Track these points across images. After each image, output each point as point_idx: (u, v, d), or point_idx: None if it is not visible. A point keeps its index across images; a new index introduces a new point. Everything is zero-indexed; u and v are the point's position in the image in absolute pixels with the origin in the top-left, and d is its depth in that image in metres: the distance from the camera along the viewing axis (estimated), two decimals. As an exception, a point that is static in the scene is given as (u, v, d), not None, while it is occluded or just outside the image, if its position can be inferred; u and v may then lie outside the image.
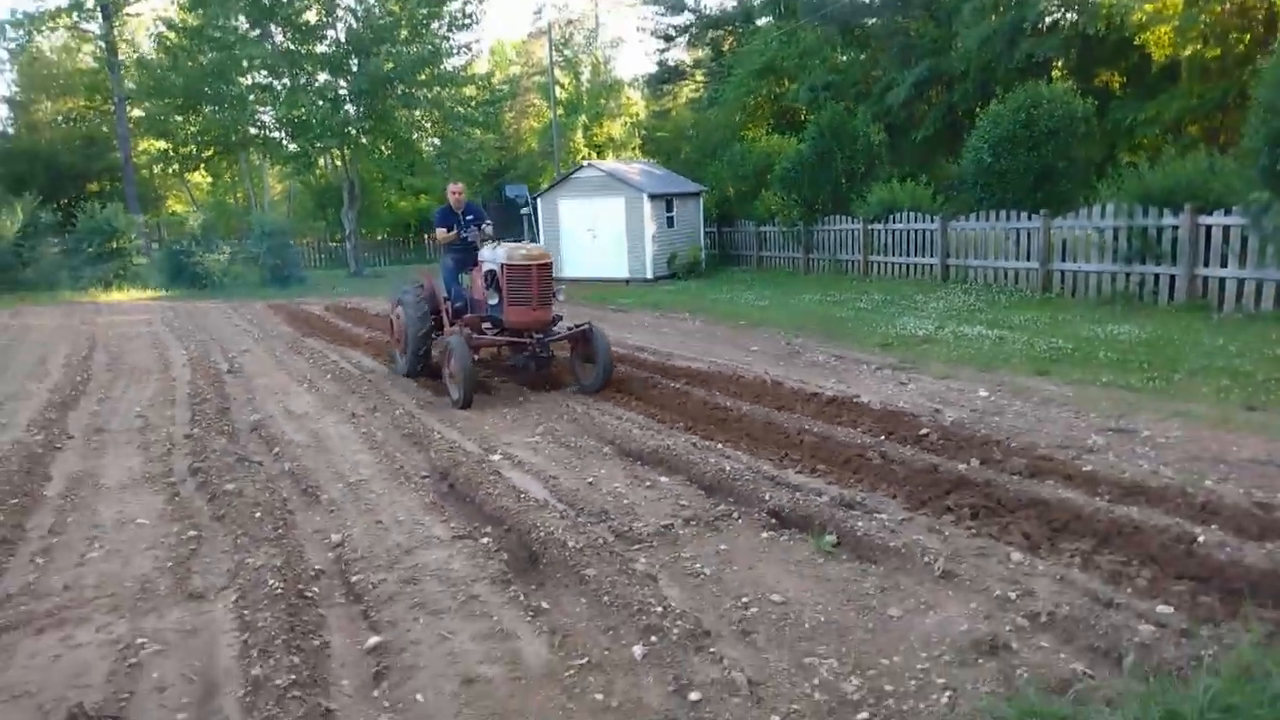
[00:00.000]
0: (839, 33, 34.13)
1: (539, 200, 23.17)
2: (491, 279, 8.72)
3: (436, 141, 30.81)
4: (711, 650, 3.38)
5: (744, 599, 3.86)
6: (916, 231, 16.72)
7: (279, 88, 25.34)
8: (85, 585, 4.29)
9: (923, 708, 2.98)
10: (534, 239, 9.15)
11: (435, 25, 26.10)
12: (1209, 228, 11.46)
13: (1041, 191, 14.60)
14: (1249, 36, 22.50)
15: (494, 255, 8.65)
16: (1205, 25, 21.69)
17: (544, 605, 3.89)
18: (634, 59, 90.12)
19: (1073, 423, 6.82)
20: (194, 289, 23.52)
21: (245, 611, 3.84)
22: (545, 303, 8.45)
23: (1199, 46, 22.64)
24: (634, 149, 49.76)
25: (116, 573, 4.42)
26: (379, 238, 39.45)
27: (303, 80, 25.11)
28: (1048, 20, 26.13)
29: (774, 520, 4.81)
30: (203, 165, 29.98)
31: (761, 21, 38.99)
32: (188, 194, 41.44)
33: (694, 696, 3.06)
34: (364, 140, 26.47)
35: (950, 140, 30.70)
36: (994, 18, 25.92)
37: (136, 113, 29.37)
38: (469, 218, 9.58)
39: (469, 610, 3.85)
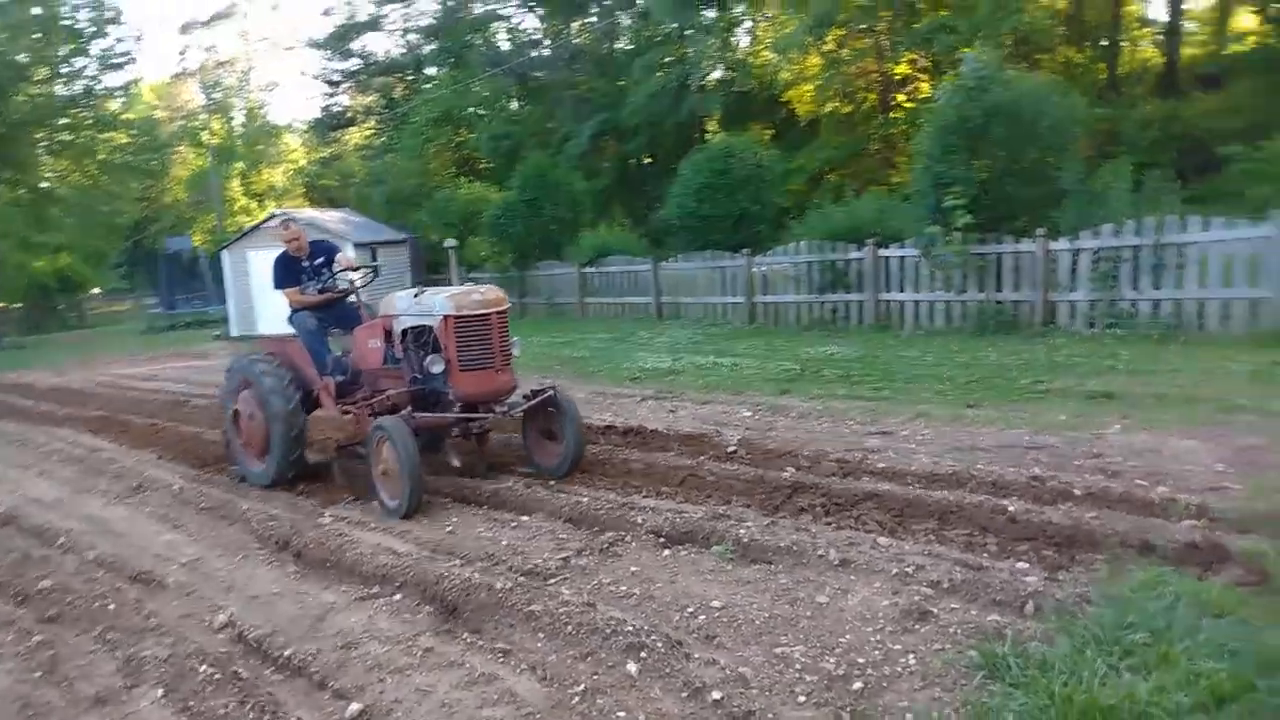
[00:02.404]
0: (514, 84, 35.30)
1: (224, 253, 21.63)
2: (421, 339, 6.63)
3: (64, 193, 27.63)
4: (697, 656, 3.65)
5: (688, 609, 4.16)
6: (630, 273, 17.82)
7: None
8: (-61, 714, 3.64)
9: (900, 669, 3.48)
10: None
11: (82, 64, 23.56)
12: (888, 259, 13.46)
13: (740, 233, 16.25)
14: (872, 95, 26.48)
15: (426, 305, 6.52)
16: (839, 86, 25.23)
17: (504, 646, 3.93)
18: (292, 103, 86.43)
19: (838, 431, 7.81)
20: None
21: (190, 703, 3.51)
22: (508, 362, 6.50)
23: (836, 104, 26.29)
24: (300, 197, 47.69)
25: (-29, 694, 3.79)
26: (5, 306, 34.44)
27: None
28: (709, 78, 28.88)
29: (662, 539, 5.14)
30: None
31: (432, 70, 39.29)
32: None
33: (715, 696, 3.32)
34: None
35: (624, 190, 32.81)
36: (660, 74, 28.26)
37: None
38: (318, 261, 7.68)
39: (432, 663, 3.80)
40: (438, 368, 6.31)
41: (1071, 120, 11.83)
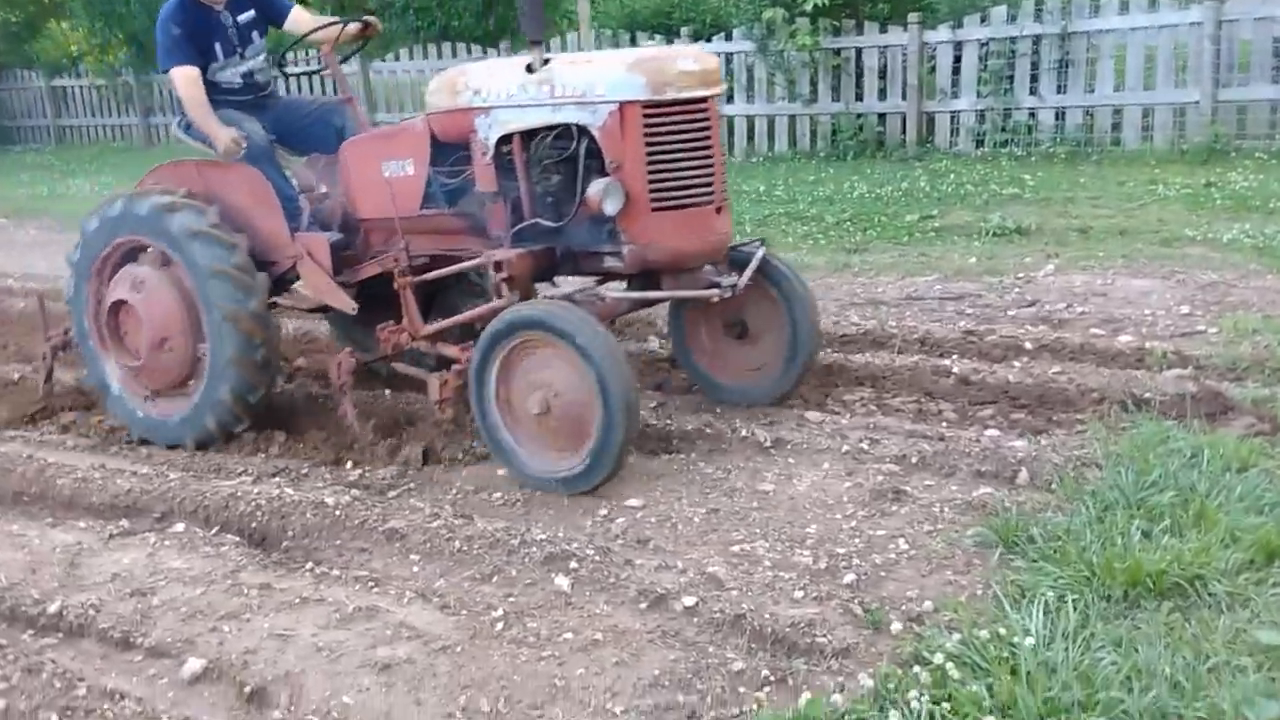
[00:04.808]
0: None
1: None
2: (556, 151, 5.14)
3: None
4: (640, 563, 4.10)
5: (600, 513, 4.58)
6: (320, 79, 17.47)
7: None
8: None
9: (894, 556, 4.07)
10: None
11: None
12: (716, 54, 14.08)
13: (493, 18, 16.32)
14: None
15: (574, 83, 4.99)
16: None
17: (368, 574, 4.20)
18: None
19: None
20: None
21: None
22: (726, 192, 5.35)
23: None
24: None
25: None
26: None
27: None
28: None
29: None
30: None
31: None
32: None
33: (686, 602, 3.77)
34: None
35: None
36: None
37: None
38: (245, 17, 6.15)
39: (278, 602, 4.00)
40: (615, 204, 4.91)
41: None
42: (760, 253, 5.46)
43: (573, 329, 4.57)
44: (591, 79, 4.94)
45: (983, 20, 12.34)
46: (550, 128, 5.09)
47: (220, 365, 5.54)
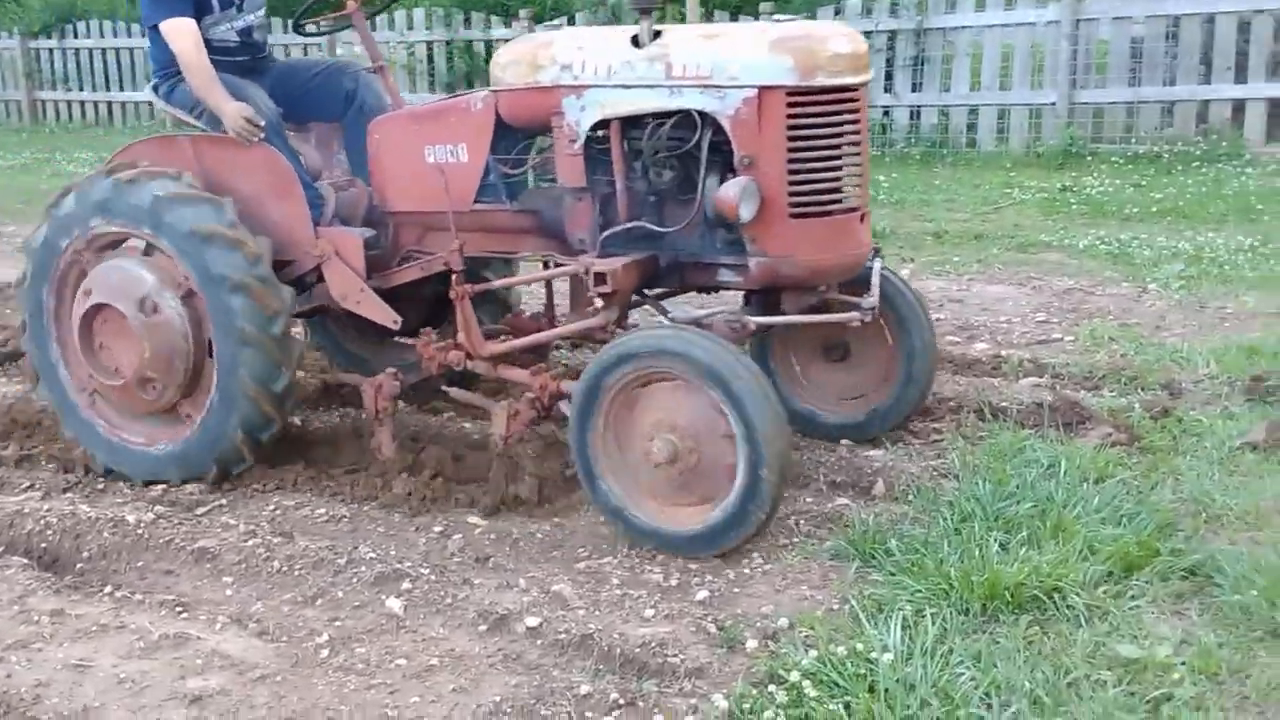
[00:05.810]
0: None
1: None
2: (671, 142, 4.57)
3: None
4: (479, 582, 4.11)
5: (436, 530, 4.63)
6: (123, 52, 17.14)
7: None
8: None
9: (748, 571, 4.15)
10: None
11: None
12: (552, 41, 14.21)
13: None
14: None
15: (697, 61, 4.49)
16: None
17: (175, 598, 4.13)
18: None
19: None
20: None
21: None
22: (867, 196, 4.90)
23: None
24: None
25: None
26: None
27: None
28: None
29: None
30: None
31: None
32: None
33: (530, 623, 3.79)
34: None
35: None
36: None
37: None
38: None
39: (73, 630, 3.92)
40: (751, 208, 4.36)
41: None
42: (879, 264, 4.97)
43: (721, 366, 4.03)
44: (722, 58, 4.44)
45: (837, 13, 12.66)
46: (664, 114, 4.57)
47: (230, 394, 4.92)
